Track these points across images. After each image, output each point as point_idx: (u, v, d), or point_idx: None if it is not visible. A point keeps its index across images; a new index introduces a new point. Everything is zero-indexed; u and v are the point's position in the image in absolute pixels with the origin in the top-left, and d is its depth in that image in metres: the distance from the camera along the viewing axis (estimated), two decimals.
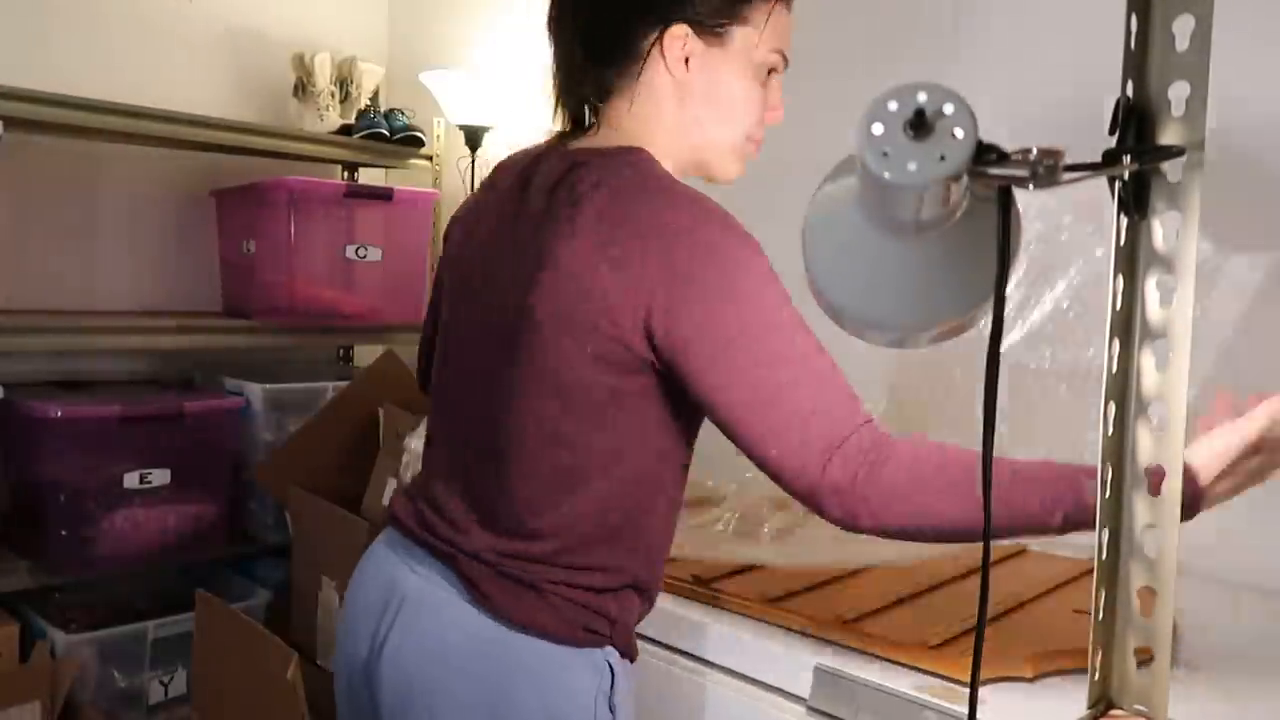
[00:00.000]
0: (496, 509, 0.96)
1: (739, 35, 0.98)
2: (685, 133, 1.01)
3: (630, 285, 0.87)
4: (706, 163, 1.05)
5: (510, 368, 0.94)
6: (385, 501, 1.85)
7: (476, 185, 2.43)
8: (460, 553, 0.97)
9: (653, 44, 0.97)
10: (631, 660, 1.01)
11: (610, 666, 0.97)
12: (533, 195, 0.97)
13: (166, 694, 2.10)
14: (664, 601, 1.20)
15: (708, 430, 0.94)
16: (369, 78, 2.63)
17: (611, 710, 0.96)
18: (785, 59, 1.03)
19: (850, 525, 0.84)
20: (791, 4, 1.03)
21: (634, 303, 0.87)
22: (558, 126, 1.06)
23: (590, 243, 0.89)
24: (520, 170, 1.03)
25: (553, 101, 1.05)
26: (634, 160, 0.95)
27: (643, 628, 1.21)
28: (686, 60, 0.97)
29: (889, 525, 0.83)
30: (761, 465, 0.87)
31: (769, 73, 1.02)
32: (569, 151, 0.99)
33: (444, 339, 1.08)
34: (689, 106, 0.99)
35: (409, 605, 0.99)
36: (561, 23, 1.02)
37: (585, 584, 0.95)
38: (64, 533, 1.97)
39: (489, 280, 1.00)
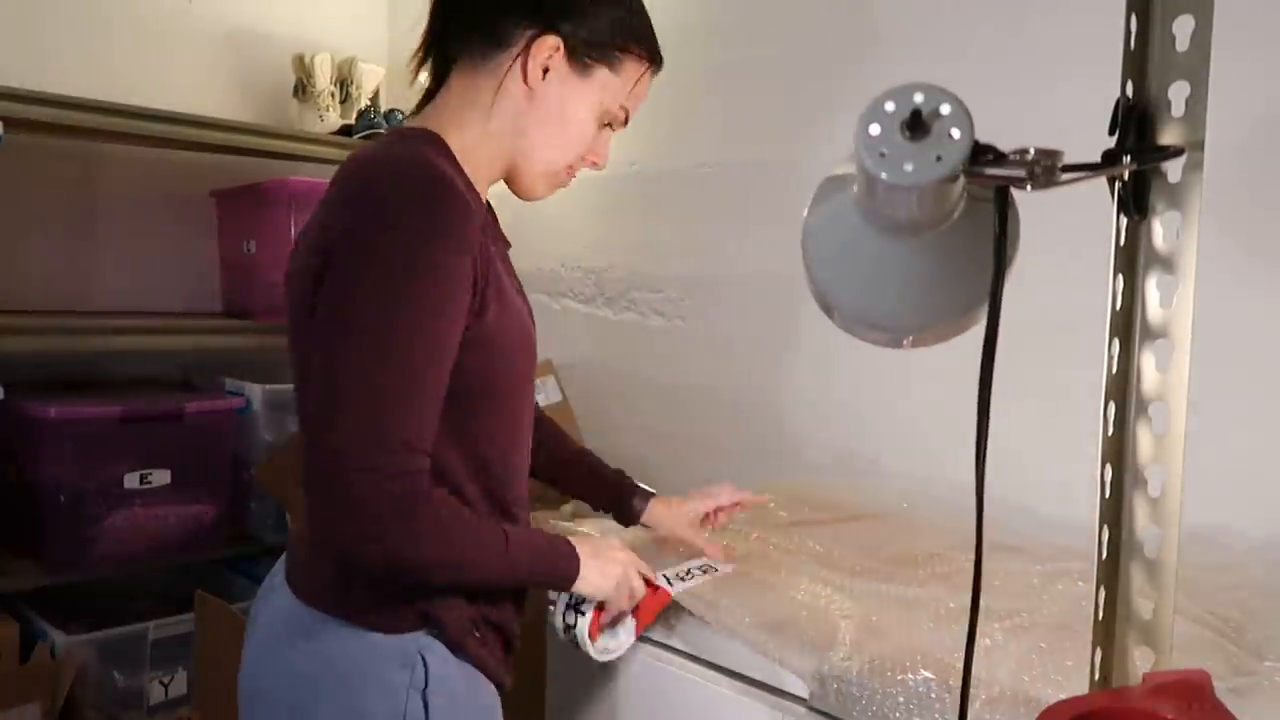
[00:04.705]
0: None
1: (601, 75, 0.99)
2: (510, 139, 1.00)
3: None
4: (517, 175, 1.03)
5: None
6: None
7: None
8: None
9: (524, 41, 0.96)
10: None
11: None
12: None
13: (166, 694, 2.10)
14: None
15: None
16: (369, 78, 2.62)
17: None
18: (627, 119, 1.03)
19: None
20: (656, 74, 1.03)
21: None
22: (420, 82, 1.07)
23: None
24: None
25: (417, 56, 1.08)
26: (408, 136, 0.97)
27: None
28: (545, 71, 0.97)
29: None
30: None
31: (608, 123, 1.03)
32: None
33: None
34: (525, 115, 0.98)
35: None
36: None
37: None
38: (64, 533, 1.97)
39: None
